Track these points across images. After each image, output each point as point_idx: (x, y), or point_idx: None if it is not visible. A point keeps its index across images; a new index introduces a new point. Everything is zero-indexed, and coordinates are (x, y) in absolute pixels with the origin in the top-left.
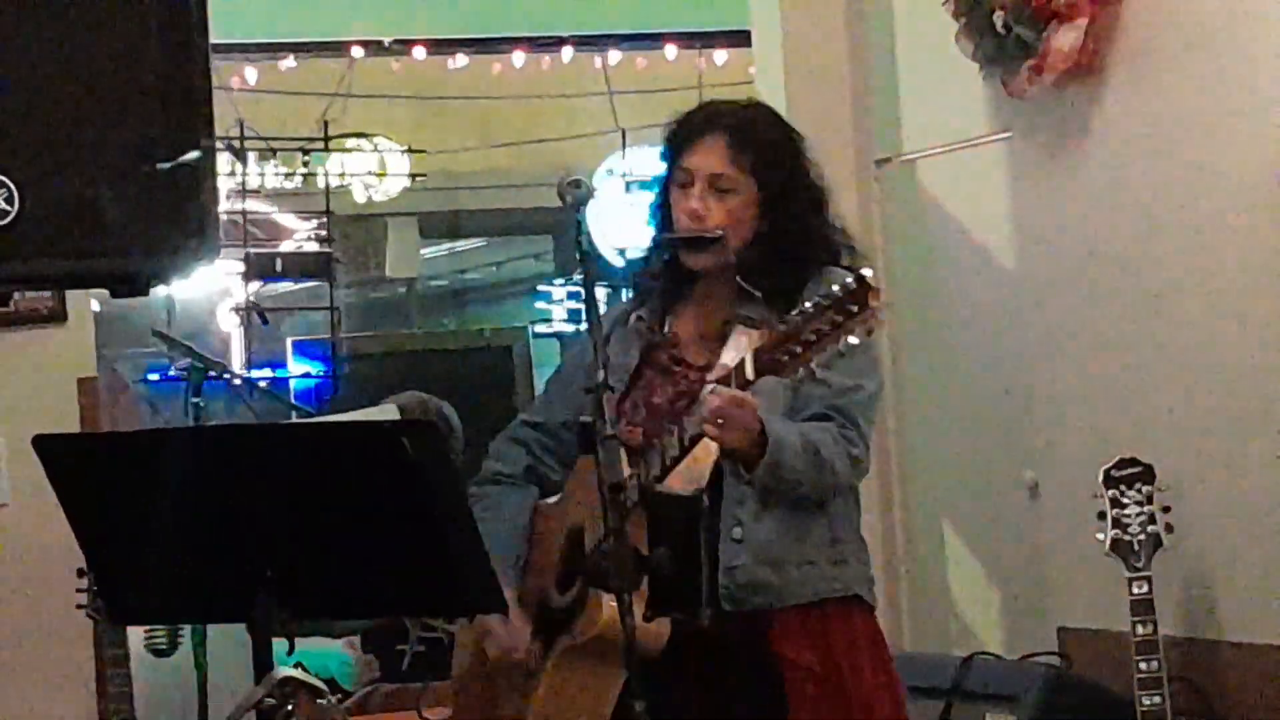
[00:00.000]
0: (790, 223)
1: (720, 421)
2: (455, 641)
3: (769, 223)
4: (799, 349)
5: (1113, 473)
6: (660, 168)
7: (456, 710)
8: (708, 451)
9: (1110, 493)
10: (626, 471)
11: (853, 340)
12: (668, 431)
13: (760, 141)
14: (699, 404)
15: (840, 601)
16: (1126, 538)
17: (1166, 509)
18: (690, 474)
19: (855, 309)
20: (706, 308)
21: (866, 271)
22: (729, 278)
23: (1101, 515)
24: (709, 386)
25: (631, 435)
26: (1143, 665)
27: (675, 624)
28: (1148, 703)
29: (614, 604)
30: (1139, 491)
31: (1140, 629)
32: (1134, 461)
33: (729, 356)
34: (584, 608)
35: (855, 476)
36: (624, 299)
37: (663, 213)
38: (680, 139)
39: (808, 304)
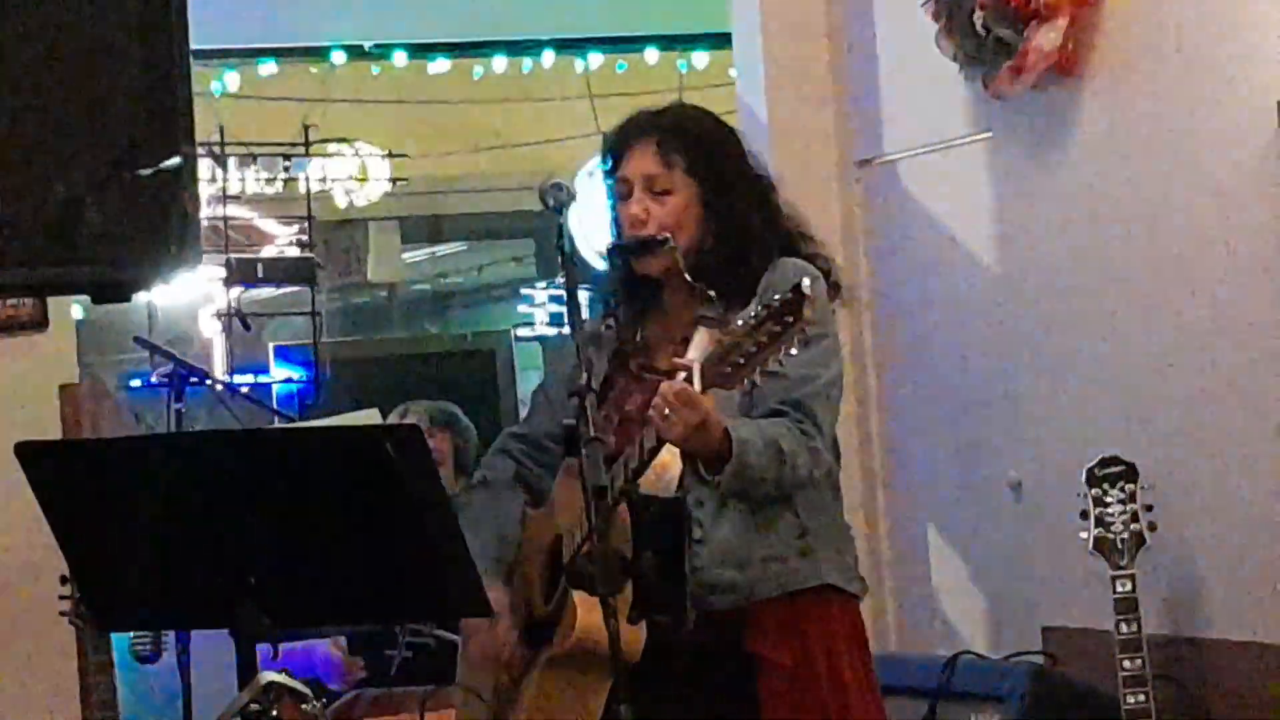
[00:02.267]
0: (736, 218)
1: (666, 414)
2: (459, 648)
3: (715, 220)
4: (742, 361)
5: (1095, 472)
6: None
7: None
8: (673, 458)
9: (1093, 492)
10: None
11: (793, 351)
12: (631, 441)
13: (691, 140)
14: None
15: (813, 593)
16: (1110, 536)
17: (1149, 507)
18: (660, 477)
19: (791, 319)
20: (672, 312)
21: (805, 281)
22: (684, 280)
23: (1084, 514)
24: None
25: (608, 444)
26: (1127, 663)
27: (651, 628)
28: (1132, 701)
29: (588, 609)
30: (1122, 490)
31: (1124, 627)
32: (1117, 460)
33: (690, 357)
34: (563, 615)
35: (818, 468)
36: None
37: (616, 226)
38: (615, 151)
39: (750, 314)
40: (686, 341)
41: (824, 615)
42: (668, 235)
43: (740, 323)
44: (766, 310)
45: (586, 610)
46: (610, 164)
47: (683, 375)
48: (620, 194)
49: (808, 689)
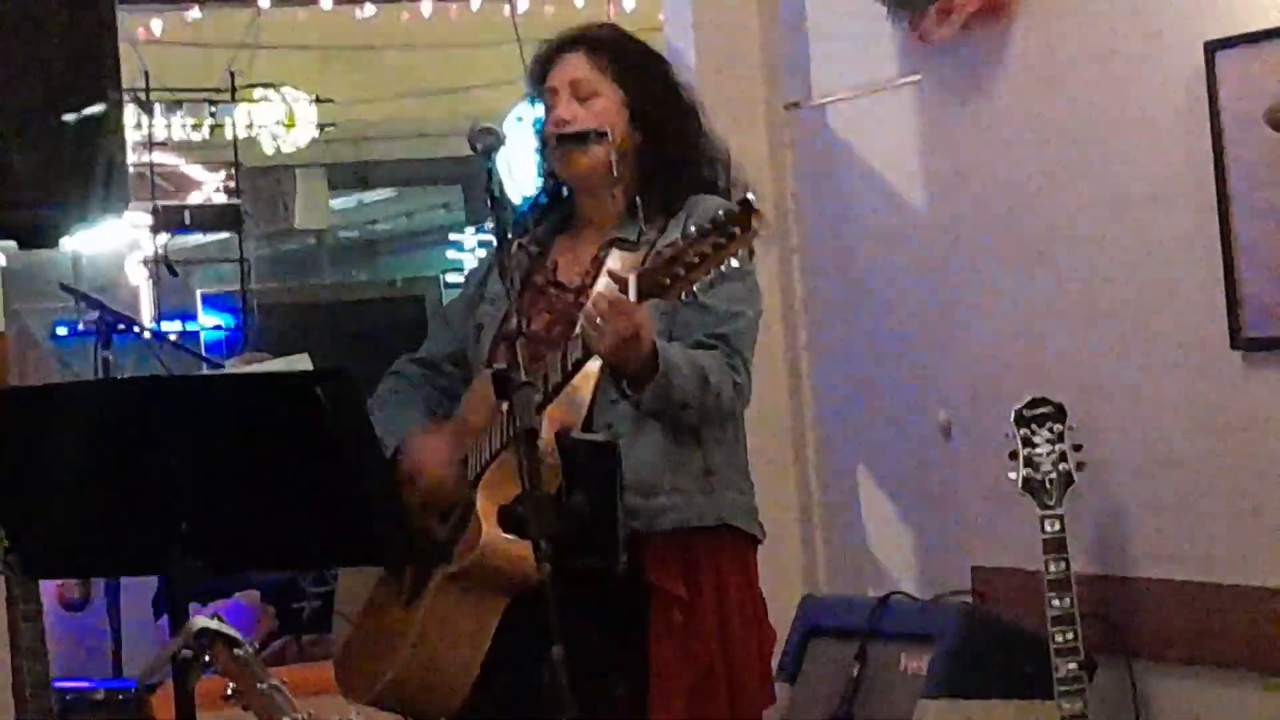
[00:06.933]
0: (664, 134)
1: (598, 322)
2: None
3: (641, 129)
4: (683, 271)
5: (1024, 412)
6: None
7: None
8: (588, 379)
9: (1022, 432)
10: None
11: (734, 263)
12: (551, 355)
13: (616, 48)
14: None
15: (711, 532)
16: (1038, 477)
17: (1078, 447)
18: (571, 401)
19: (738, 231)
20: (585, 229)
21: (751, 195)
22: (606, 195)
23: (1013, 455)
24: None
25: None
26: (1055, 602)
27: (583, 571)
28: (1060, 639)
29: (492, 527)
30: (1050, 431)
31: (1053, 567)
32: (1045, 401)
33: (603, 282)
34: (463, 533)
35: (739, 404)
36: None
37: (544, 140)
38: (541, 68)
39: (691, 227)
40: (597, 261)
41: (719, 554)
42: (606, 129)
43: (683, 233)
44: (711, 221)
45: (491, 526)
46: (536, 84)
47: (615, 286)
48: (547, 104)
49: (697, 624)
